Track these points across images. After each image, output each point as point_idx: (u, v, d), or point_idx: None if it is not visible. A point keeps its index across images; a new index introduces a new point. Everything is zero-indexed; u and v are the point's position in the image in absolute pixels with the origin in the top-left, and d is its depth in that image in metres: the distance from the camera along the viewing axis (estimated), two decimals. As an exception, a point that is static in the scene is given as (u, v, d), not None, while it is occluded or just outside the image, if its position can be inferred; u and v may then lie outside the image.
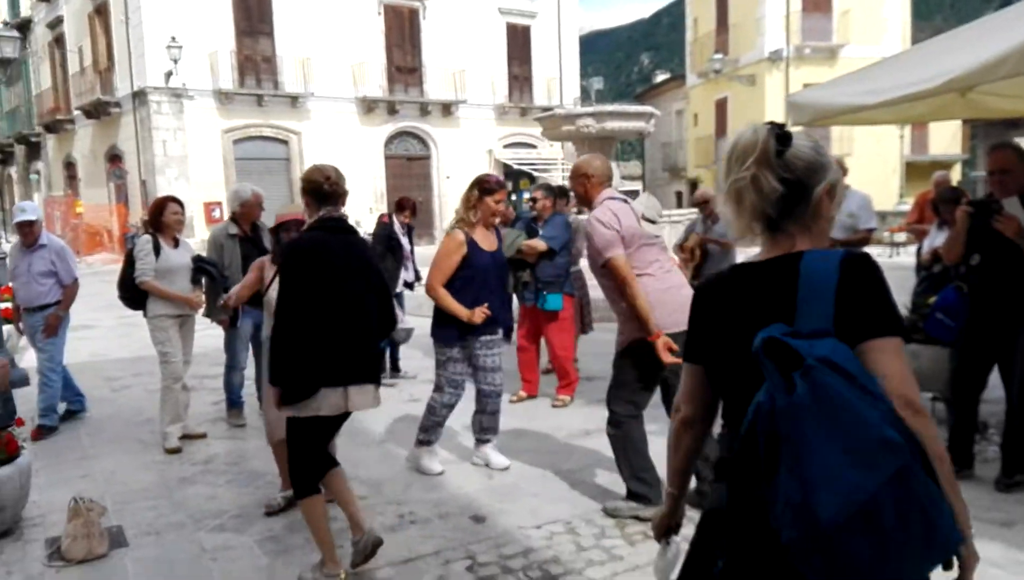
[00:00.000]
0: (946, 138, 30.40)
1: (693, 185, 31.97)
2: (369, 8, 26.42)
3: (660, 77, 43.47)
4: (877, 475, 1.25)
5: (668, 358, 3.77)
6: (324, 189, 3.41)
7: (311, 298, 3.24)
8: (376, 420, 5.98)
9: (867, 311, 1.51)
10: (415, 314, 6.84)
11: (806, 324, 1.46)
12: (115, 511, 4.25)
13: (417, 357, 7.74)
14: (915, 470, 1.28)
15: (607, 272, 3.95)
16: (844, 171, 5.74)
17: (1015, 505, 3.79)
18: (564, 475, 4.66)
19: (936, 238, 5.70)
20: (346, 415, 3.48)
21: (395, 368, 7.45)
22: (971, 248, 4.17)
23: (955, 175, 27.04)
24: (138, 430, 5.96)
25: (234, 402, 6.10)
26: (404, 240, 7.53)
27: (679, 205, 30.10)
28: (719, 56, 28.52)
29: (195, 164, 23.16)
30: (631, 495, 4.07)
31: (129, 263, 5.49)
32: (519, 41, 30.02)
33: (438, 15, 27.57)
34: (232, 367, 6.02)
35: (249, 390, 6.24)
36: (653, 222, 8.19)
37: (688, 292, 3.86)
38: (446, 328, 4.67)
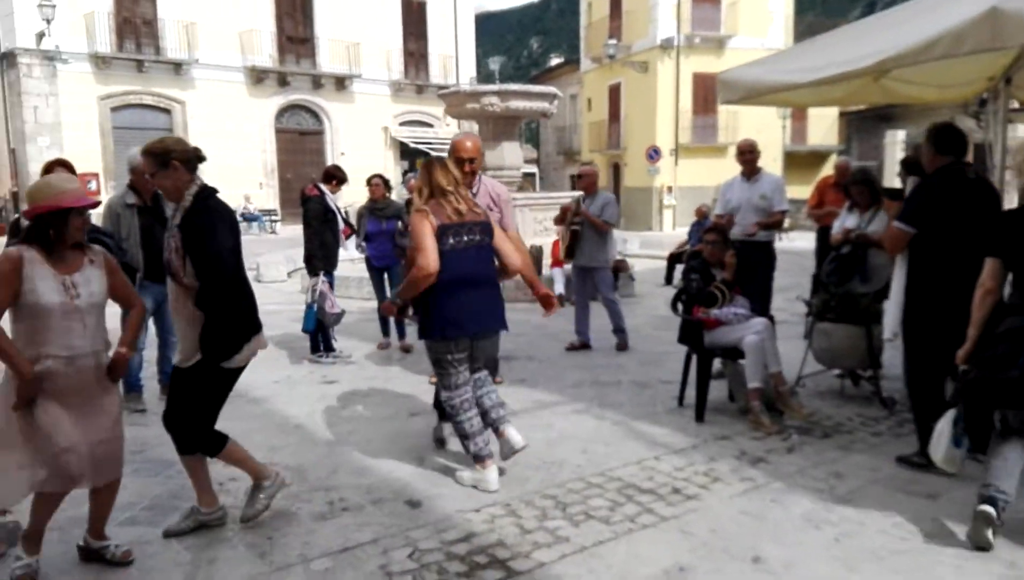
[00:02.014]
0: (823, 129, 31.95)
1: (588, 168, 32.38)
2: (259, -27, 25.32)
3: (554, 61, 43.76)
4: None
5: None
6: (201, 157, 3.52)
7: (239, 258, 3.49)
8: (292, 403, 5.73)
9: None
10: (343, 296, 6.55)
11: None
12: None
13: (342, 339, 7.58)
14: None
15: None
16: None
17: (936, 478, 3.96)
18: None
19: (847, 220, 5.89)
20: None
21: (329, 348, 7.17)
22: None
23: (830, 165, 28.44)
24: None
25: (132, 386, 5.69)
26: (340, 213, 7.20)
27: (573, 188, 30.38)
28: (613, 42, 28.92)
29: (69, 132, 21.62)
30: None
31: (13, 234, 5.00)
32: (415, 17, 29.47)
33: (332, -15, 26.72)
34: (130, 348, 5.61)
35: (149, 373, 5.85)
36: None
37: None
38: None
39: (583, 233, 7.32)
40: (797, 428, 4.98)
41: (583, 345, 7.49)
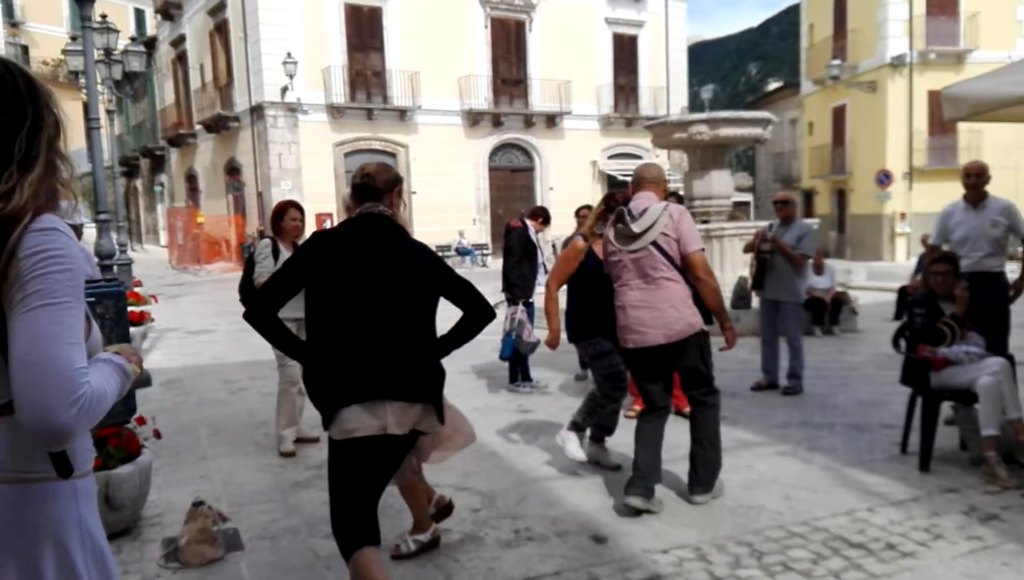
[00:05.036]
0: (1087, 146, 28.17)
1: (808, 196, 30.80)
2: (476, 21, 26.69)
3: (772, 86, 42.20)
4: None
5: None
6: (355, 182, 3.01)
7: (325, 300, 2.83)
8: (488, 431, 5.83)
9: None
10: (541, 326, 6.58)
11: None
12: (231, 512, 4.22)
13: (539, 369, 7.60)
14: None
15: None
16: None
17: None
18: (688, 496, 4.36)
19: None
20: (398, 449, 2.92)
21: (526, 377, 7.32)
22: None
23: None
24: (254, 432, 6.01)
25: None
26: (540, 247, 7.40)
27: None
28: (837, 62, 27.39)
29: (308, 177, 23.85)
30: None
31: (249, 267, 5.53)
32: (625, 51, 29.69)
33: (544, 27, 27.59)
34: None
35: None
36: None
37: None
38: (590, 324, 4.80)
39: (773, 263, 6.88)
40: (1043, 484, 4.33)
41: (770, 385, 7.02)
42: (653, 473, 4.13)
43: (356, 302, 2.78)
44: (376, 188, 2.95)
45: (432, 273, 2.93)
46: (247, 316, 2.89)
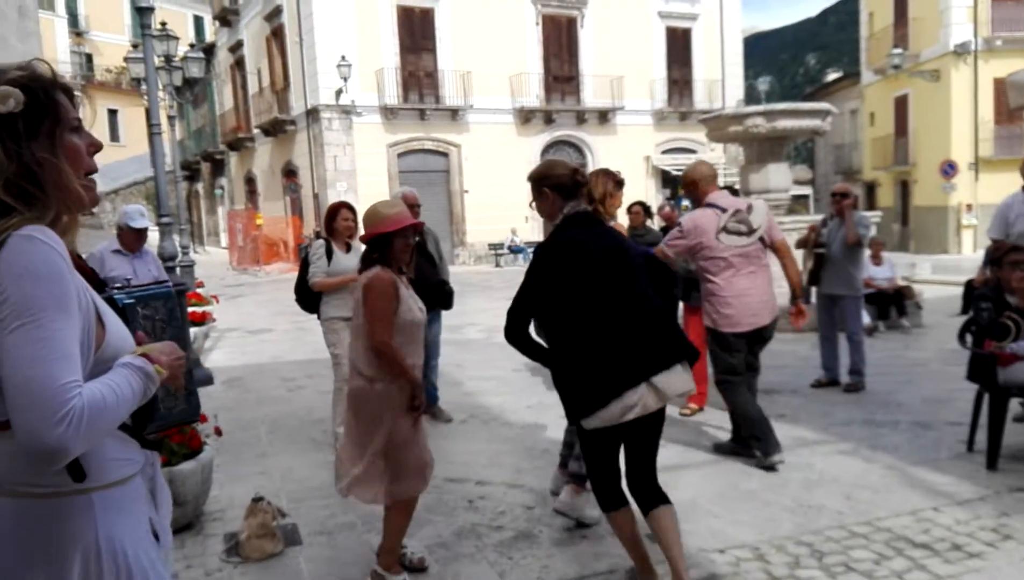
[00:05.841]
0: None
1: (870, 188, 30.05)
2: (527, 19, 26.67)
3: (831, 76, 41.28)
4: None
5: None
6: (576, 180, 3.11)
7: (589, 300, 2.96)
8: (541, 428, 5.84)
9: None
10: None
11: None
12: (290, 508, 4.30)
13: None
14: None
15: None
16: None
17: None
18: (746, 495, 4.29)
19: None
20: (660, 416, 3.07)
21: None
22: None
23: None
24: (311, 429, 6.11)
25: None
26: None
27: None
28: (899, 51, 26.67)
29: (363, 177, 24.12)
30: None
31: (304, 267, 5.62)
32: (679, 44, 29.32)
33: (596, 22, 27.43)
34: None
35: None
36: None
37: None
38: None
39: (829, 256, 6.80)
40: (1123, 485, 4.14)
41: (831, 382, 6.87)
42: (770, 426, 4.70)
43: (620, 294, 3.00)
44: (585, 186, 3.21)
45: (633, 251, 3.23)
46: (508, 337, 3.10)
